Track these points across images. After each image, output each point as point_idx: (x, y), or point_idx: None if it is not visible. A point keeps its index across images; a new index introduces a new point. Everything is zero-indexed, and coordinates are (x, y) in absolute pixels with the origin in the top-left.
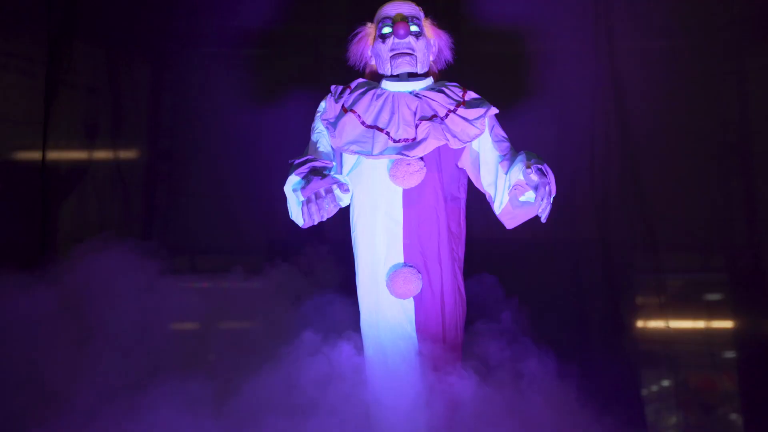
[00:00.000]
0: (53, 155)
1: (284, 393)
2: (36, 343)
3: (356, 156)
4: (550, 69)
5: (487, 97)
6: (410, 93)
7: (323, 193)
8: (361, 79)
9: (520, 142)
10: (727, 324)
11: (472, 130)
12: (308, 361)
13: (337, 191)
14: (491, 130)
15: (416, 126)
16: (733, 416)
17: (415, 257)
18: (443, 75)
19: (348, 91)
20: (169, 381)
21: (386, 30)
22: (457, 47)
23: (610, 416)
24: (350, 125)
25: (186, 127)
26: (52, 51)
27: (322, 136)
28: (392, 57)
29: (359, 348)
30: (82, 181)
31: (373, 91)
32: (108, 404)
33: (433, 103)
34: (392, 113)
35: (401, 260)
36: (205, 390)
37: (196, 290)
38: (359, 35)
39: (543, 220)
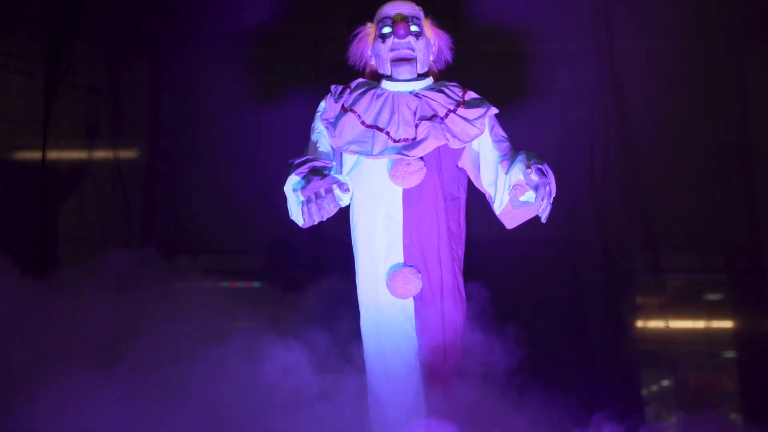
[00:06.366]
0: (53, 155)
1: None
2: None
3: (356, 156)
4: (550, 69)
5: (487, 97)
6: (410, 93)
7: (323, 193)
8: (361, 79)
9: (520, 142)
10: (727, 324)
11: (472, 130)
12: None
13: (337, 191)
14: (491, 130)
15: (416, 126)
16: (733, 416)
17: (415, 257)
18: (443, 75)
19: (348, 90)
20: None
21: (386, 30)
22: (457, 47)
23: (610, 416)
24: (350, 125)
25: (186, 127)
26: (52, 51)
27: (322, 136)
28: (393, 63)
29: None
30: (82, 181)
31: (373, 91)
32: None
33: (433, 103)
34: (392, 113)
35: (401, 260)
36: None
37: None
38: (359, 35)
39: (543, 220)
